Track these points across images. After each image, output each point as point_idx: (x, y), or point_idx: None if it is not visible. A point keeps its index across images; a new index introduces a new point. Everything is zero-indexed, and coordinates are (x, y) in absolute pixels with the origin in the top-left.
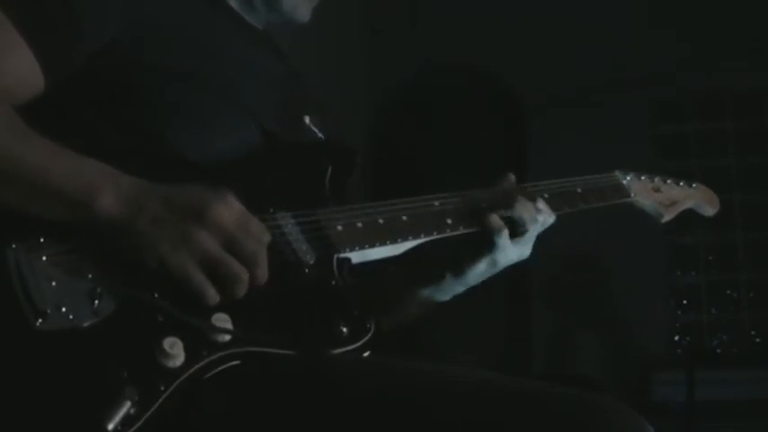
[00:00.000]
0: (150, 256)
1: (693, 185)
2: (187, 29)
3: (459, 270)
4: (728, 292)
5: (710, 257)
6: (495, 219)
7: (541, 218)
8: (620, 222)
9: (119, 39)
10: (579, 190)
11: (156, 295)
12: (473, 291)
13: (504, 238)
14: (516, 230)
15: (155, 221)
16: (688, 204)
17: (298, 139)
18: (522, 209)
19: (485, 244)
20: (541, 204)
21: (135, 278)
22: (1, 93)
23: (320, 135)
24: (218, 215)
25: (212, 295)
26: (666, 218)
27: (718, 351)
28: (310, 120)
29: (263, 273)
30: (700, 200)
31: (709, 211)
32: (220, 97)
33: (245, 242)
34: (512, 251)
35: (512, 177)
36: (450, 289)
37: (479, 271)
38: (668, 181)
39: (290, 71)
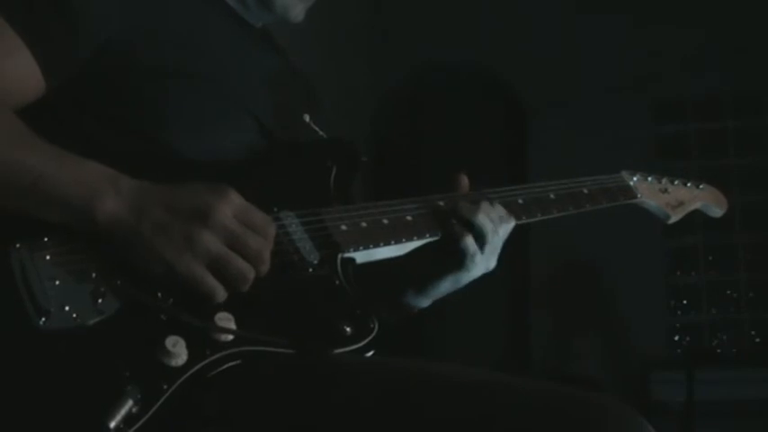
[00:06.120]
0: (157, 261)
1: (701, 186)
2: (184, 29)
3: (421, 287)
4: (728, 292)
5: (710, 257)
6: (469, 241)
7: (502, 229)
8: (620, 222)
9: (115, 39)
10: (586, 191)
11: (160, 294)
12: (471, 291)
13: (475, 262)
14: (479, 245)
15: (159, 227)
16: (695, 205)
17: (299, 138)
18: (485, 220)
19: (453, 264)
20: (502, 211)
21: (138, 278)
22: (1, 95)
23: (321, 134)
24: (221, 214)
25: (221, 295)
26: (673, 219)
27: (718, 351)
28: (311, 118)
29: (266, 268)
30: (707, 201)
31: (717, 212)
32: (219, 97)
33: (249, 239)
34: (477, 269)
35: (465, 180)
36: (415, 303)
37: (442, 289)
38: (675, 182)
39: (289, 69)
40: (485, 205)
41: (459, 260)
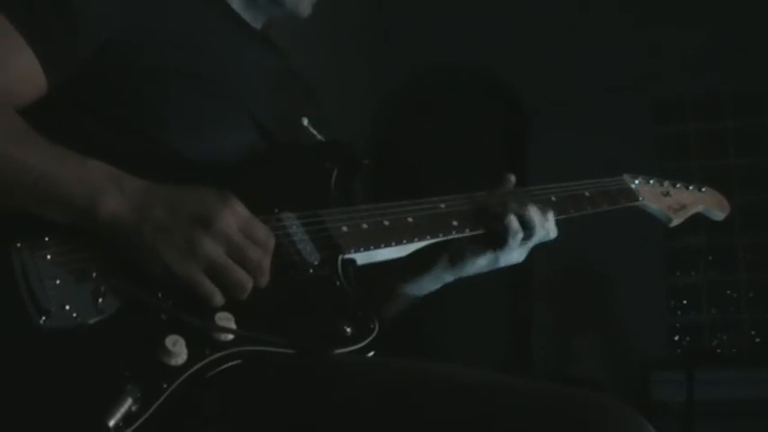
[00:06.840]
0: (157, 263)
1: (703, 189)
2: (184, 29)
3: (459, 258)
4: (728, 292)
5: (710, 258)
6: (513, 220)
7: (547, 227)
8: (620, 222)
9: (115, 39)
10: (587, 193)
11: (160, 294)
12: (473, 292)
13: (517, 240)
14: (525, 234)
15: (161, 230)
16: (697, 209)
17: (298, 139)
18: (535, 213)
19: (495, 241)
20: (550, 216)
21: (138, 277)
22: (3, 94)
23: (319, 137)
24: (224, 223)
25: (218, 300)
26: (675, 222)
27: (718, 351)
28: (309, 121)
29: (266, 280)
30: (709, 204)
31: (719, 215)
32: (219, 97)
33: (250, 251)
34: (516, 254)
35: (512, 178)
36: (441, 277)
37: (478, 265)
38: (677, 185)
39: (289, 71)
40: (533, 207)
41: (502, 237)
